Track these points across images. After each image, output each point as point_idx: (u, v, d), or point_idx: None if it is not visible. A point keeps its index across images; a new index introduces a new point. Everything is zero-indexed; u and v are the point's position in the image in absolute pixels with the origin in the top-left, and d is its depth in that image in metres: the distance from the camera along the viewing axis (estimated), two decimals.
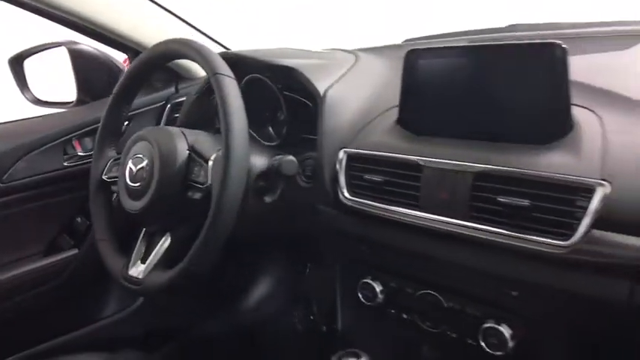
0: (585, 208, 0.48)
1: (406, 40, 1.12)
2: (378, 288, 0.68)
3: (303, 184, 0.78)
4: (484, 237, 0.54)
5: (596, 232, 0.47)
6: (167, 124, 1.09)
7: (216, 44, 1.13)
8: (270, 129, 0.91)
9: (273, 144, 0.88)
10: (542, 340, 0.55)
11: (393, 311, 0.68)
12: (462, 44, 0.63)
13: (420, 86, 0.64)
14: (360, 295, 0.70)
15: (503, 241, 0.52)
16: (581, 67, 0.63)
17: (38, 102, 1.20)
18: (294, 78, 0.80)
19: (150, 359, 1.12)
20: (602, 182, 0.47)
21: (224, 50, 1.03)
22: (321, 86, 0.77)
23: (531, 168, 0.52)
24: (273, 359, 1.23)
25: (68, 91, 1.16)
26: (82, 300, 1.10)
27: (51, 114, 1.12)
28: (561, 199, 0.49)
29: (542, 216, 0.50)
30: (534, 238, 0.50)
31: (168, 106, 1.10)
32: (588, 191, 0.48)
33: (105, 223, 0.84)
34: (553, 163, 0.51)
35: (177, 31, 1.09)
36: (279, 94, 0.83)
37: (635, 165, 0.48)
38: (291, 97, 0.82)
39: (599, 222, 0.47)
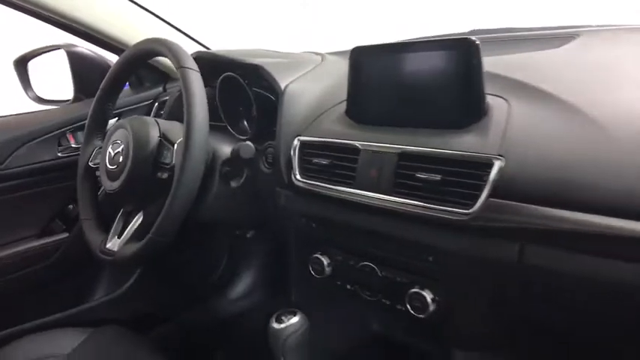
0: (486, 181, 0.55)
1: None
2: (325, 262, 0.75)
3: (264, 169, 0.86)
4: (405, 209, 0.61)
5: (494, 201, 0.54)
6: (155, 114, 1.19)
7: (199, 45, 1.23)
8: (245, 123, 0.99)
9: (245, 137, 0.96)
10: (457, 303, 0.62)
11: (339, 283, 0.75)
12: (395, 42, 0.70)
13: (362, 80, 0.71)
14: (311, 269, 0.77)
15: (420, 212, 0.59)
16: (509, 63, 0.71)
17: (40, 100, 1.31)
18: (261, 75, 0.88)
19: (136, 340, 1.19)
20: (499, 157, 0.54)
21: (202, 50, 1.12)
22: (282, 82, 0.85)
23: (443, 148, 0.59)
24: (256, 346, 1.30)
25: (66, 90, 1.27)
26: (71, 282, 1.18)
27: (48, 109, 1.22)
28: (467, 174, 0.56)
29: (451, 189, 0.57)
30: (443, 208, 0.57)
31: (156, 104, 1.19)
32: (487, 166, 0.55)
33: (89, 205, 0.92)
34: (463, 143, 0.58)
35: (164, 34, 1.19)
36: (249, 90, 0.91)
37: (528, 142, 0.54)
38: (258, 92, 0.91)
39: (496, 192, 0.54)
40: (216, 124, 1.01)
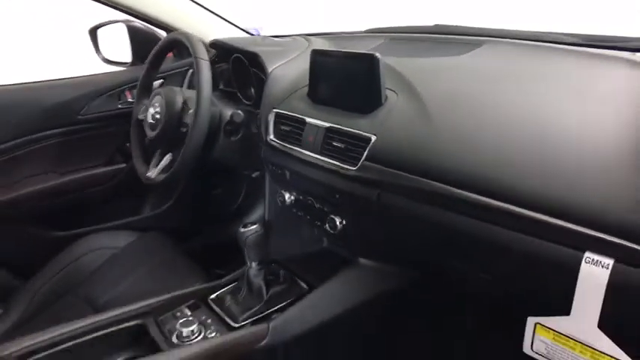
0: (365, 150, 0.87)
1: (368, 30, 1.49)
2: (287, 196, 1.11)
3: (254, 130, 1.21)
4: (325, 165, 0.95)
5: (366, 163, 0.87)
6: (188, 83, 1.56)
7: (233, 27, 1.56)
8: (252, 91, 1.34)
9: (250, 102, 1.31)
10: (353, 224, 0.97)
11: (294, 210, 1.11)
12: (334, 50, 1.01)
13: (315, 73, 1.03)
14: (278, 200, 1.13)
15: (331, 166, 0.93)
16: (413, 66, 0.99)
17: (106, 61, 1.71)
18: (258, 60, 1.22)
19: (171, 244, 1.61)
20: (374, 135, 0.87)
21: (220, 38, 1.45)
22: (270, 67, 1.18)
23: (348, 127, 0.91)
24: None
25: (126, 55, 1.66)
26: (127, 199, 1.63)
27: (112, 71, 1.62)
28: (357, 145, 0.89)
29: (349, 153, 0.91)
30: (343, 165, 0.91)
31: (190, 71, 1.56)
32: (367, 141, 0.87)
33: (138, 146, 1.32)
34: (360, 124, 0.90)
35: (201, 18, 1.53)
36: (250, 69, 1.25)
37: (394, 126, 0.86)
38: (255, 72, 1.25)
39: (368, 157, 0.86)
40: (231, 91, 1.37)
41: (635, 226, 0.56)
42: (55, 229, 1.51)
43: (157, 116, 1.19)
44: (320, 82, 1.03)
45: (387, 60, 0.95)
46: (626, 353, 0.61)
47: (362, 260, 1.03)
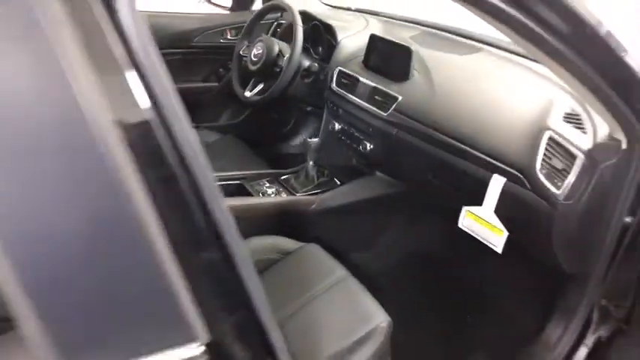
0: (392, 105, 1.47)
1: (409, 19, 2.03)
2: (337, 126, 1.72)
3: (321, 77, 1.80)
4: (367, 109, 1.55)
5: (393, 112, 1.47)
6: (273, 33, 2.11)
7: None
8: (321, 50, 1.91)
9: (318, 57, 1.89)
10: (377, 146, 1.59)
11: (339, 135, 1.72)
12: (386, 38, 1.58)
13: (370, 49, 1.61)
14: (330, 127, 1.74)
15: (370, 110, 1.53)
16: (434, 56, 1.57)
17: (210, 2, 2.26)
18: (331, 30, 1.79)
19: (242, 144, 2.19)
20: (399, 96, 1.46)
21: (306, 9, 2.00)
22: (340, 37, 1.75)
23: (387, 88, 1.51)
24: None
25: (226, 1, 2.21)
26: (212, 110, 2.24)
27: (216, 13, 2.17)
28: (389, 100, 1.49)
29: (384, 105, 1.51)
30: (377, 110, 1.51)
31: (275, 23, 2.11)
32: (395, 99, 1.47)
33: (237, 74, 1.91)
34: (393, 89, 1.50)
35: None
36: (325, 35, 1.82)
37: (412, 91, 1.45)
38: (328, 38, 1.81)
39: (395, 109, 1.46)
40: (308, 47, 1.95)
41: (515, 162, 1.17)
42: None
43: (259, 56, 1.77)
44: (372, 56, 1.61)
45: (417, 48, 1.53)
46: (504, 227, 1.24)
47: (377, 173, 1.66)
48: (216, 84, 2.17)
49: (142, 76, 0.43)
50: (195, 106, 2.19)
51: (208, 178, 0.47)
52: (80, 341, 0.42)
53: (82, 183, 0.40)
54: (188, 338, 0.47)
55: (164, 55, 1.98)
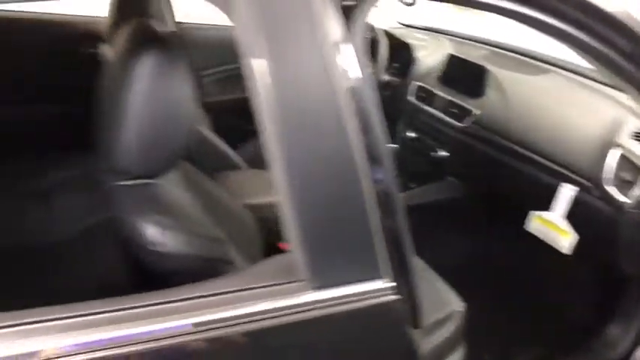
0: (471, 116, 1.65)
1: (478, 39, 2.21)
2: (412, 134, 1.91)
3: (399, 91, 1.99)
4: (445, 119, 1.73)
5: (470, 124, 1.64)
6: None
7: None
8: (397, 65, 2.10)
9: (394, 72, 2.08)
10: (452, 156, 1.77)
11: (416, 145, 1.91)
12: (464, 58, 1.76)
13: (448, 66, 1.79)
14: (403, 136, 1.93)
15: (448, 121, 1.71)
16: (506, 74, 1.73)
17: None
18: (409, 49, 1.98)
19: None
20: (477, 110, 1.64)
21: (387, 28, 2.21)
22: (417, 54, 1.94)
23: (463, 102, 1.69)
24: None
25: None
26: None
27: None
28: (465, 113, 1.67)
29: (459, 116, 1.68)
30: (454, 121, 1.69)
31: None
32: (471, 112, 1.65)
33: None
34: (470, 102, 1.67)
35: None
36: (402, 52, 2.01)
37: (490, 105, 1.62)
38: (405, 55, 2.01)
39: (472, 121, 1.64)
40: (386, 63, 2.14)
41: (586, 173, 1.32)
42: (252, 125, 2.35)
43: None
44: (449, 72, 1.79)
45: (490, 67, 1.70)
46: (575, 231, 1.38)
47: (449, 178, 1.84)
48: None
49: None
50: None
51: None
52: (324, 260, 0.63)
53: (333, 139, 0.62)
54: (378, 274, 0.66)
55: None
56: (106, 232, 1.55)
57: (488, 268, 1.84)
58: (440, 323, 1.28)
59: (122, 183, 0.81)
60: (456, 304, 1.29)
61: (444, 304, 1.30)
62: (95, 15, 1.90)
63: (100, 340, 0.57)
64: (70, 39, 1.85)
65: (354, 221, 0.65)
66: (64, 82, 1.86)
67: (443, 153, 1.77)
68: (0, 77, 1.81)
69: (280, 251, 1.51)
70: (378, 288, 0.67)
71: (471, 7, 0.76)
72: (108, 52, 1.81)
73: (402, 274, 0.70)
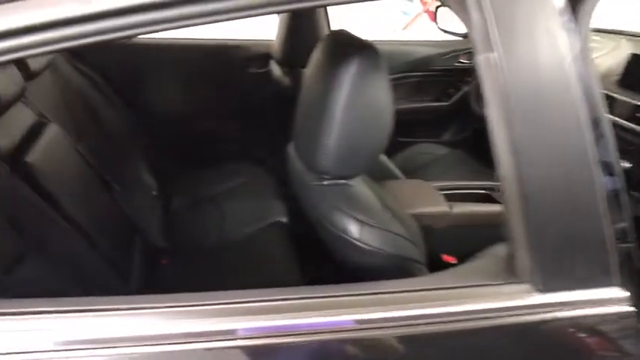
0: None
1: None
2: None
3: None
4: (628, 127, 1.55)
5: None
6: None
7: None
8: None
9: None
10: (635, 166, 1.57)
11: None
12: None
13: (630, 68, 1.61)
14: None
15: (634, 127, 1.53)
16: None
17: (443, 30, 2.47)
18: None
19: (474, 161, 2.35)
20: None
21: None
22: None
23: None
24: None
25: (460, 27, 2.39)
26: (439, 125, 2.42)
27: (451, 39, 2.36)
28: None
29: None
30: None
31: None
32: None
33: (475, 91, 2.06)
34: None
35: None
36: None
37: None
38: None
39: None
40: None
41: None
42: (401, 137, 2.37)
43: None
44: (632, 75, 1.61)
45: None
46: None
47: (631, 192, 1.63)
48: (445, 103, 2.35)
49: None
50: (422, 123, 2.40)
51: None
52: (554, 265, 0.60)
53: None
54: (611, 282, 0.61)
55: (404, 77, 2.21)
56: (272, 235, 1.68)
57: None
58: None
59: (322, 183, 0.87)
60: None
61: None
62: (263, 38, 2.09)
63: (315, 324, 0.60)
64: (241, 61, 2.06)
65: (587, 225, 0.60)
66: (237, 100, 2.08)
67: (626, 164, 1.59)
68: (184, 98, 2.08)
69: (445, 263, 1.48)
70: (611, 297, 0.61)
71: None
72: (276, 70, 1.99)
73: (637, 285, 0.63)
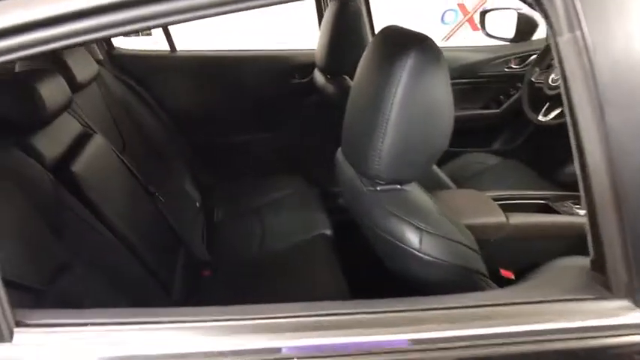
0: None
1: None
2: None
3: None
4: None
5: None
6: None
7: None
8: None
9: None
10: None
11: None
12: None
13: None
14: None
15: None
16: None
17: (489, 35, 2.36)
18: None
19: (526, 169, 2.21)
20: None
21: None
22: None
23: None
24: None
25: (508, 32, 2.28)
26: (491, 133, 2.30)
27: (500, 44, 2.26)
28: None
29: None
30: None
31: None
32: None
33: (528, 99, 1.95)
34: None
35: None
36: None
37: None
38: None
39: None
40: None
41: None
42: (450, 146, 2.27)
43: (557, 81, 1.78)
44: None
45: None
46: None
47: None
48: (495, 110, 2.24)
49: None
50: (472, 131, 2.29)
51: None
52: None
53: None
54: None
55: (455, 84, 2.06)
56: (317, 247, 1.62)
57: None
58: None
59: (376, 188, 0.80)
60: None
61: None
62: (303, 48, 2.07)
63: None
64: (284, 71, 2.04)
65: None
66: (280, 111, 2.05)
67: None
68: (227, 109, 2.08)
69: (503, 279, 1.36)
70: None
71: None
72: (320, 78, 1.96)
73: None
